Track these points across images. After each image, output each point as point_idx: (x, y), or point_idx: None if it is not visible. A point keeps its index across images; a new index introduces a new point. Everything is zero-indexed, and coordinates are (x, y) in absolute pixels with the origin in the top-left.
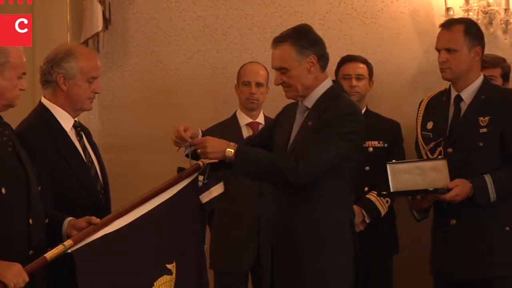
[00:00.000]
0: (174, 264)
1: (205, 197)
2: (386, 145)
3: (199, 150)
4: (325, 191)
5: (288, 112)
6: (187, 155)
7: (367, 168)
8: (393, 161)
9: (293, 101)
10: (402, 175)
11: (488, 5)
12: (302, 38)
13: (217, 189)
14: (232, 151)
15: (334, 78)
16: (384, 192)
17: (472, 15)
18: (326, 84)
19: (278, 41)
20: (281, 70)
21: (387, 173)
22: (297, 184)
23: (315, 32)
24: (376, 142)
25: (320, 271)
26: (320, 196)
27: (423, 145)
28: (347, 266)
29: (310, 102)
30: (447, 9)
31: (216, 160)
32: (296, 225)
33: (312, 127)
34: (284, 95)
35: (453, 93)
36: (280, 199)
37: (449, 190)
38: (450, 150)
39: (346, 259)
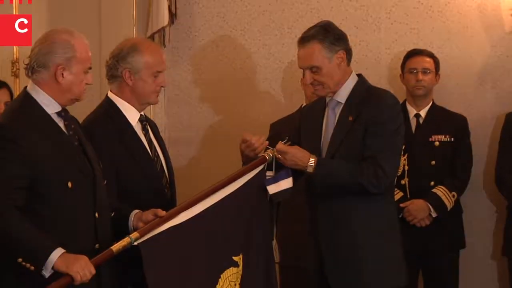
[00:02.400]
0: (241, 256)
1: (273, 189)
2: (452, 139)
3: (279, 155)
4: None
5: (311, 112)
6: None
7: (433, 162)
8: None
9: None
10: None
11: None
12: (330, 35)
13: (286, 183)
14: (313, 163)
15: (400, 72)
16: None
17: None
18: (354, 77)
19: (306, 40)
20: (312, 68)
21: None
22: (378, 193)
23: (338, 28)
24: (442, 136)
25: (377, 263)
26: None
27: None
28: (400, 258)
29: (341, 97)
30: None
31: None
32: (352, 219)
33: (362, 125)
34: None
35: None
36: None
37: None
38: None
39: (400, 251)
